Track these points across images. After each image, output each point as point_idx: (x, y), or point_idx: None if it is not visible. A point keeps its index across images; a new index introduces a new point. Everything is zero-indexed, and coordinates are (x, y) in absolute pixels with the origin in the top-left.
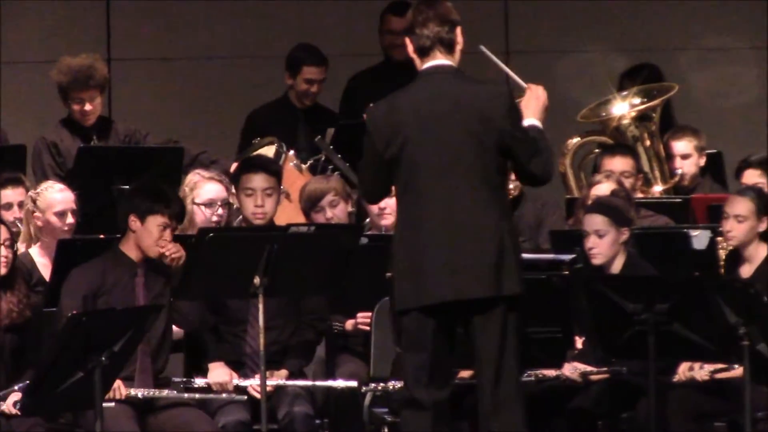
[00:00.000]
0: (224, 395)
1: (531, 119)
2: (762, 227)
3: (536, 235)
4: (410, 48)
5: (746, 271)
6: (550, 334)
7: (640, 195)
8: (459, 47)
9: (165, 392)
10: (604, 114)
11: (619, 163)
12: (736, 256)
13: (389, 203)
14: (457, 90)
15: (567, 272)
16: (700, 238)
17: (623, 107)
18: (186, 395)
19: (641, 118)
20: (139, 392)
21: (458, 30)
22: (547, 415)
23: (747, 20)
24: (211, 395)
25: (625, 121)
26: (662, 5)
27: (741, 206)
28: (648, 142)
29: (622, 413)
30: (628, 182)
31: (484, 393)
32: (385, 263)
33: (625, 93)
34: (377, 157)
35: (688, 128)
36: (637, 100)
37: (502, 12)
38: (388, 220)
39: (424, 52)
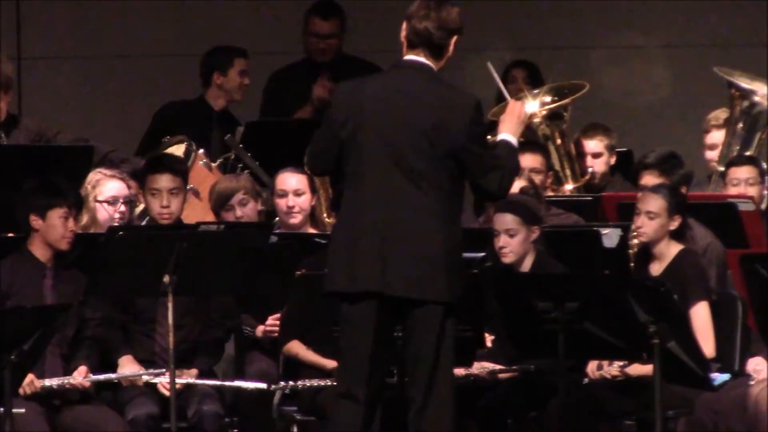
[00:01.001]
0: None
1: (505, 134)
2: (673, 225)
3: None
4: (402, 33)
5: (656, 269)
6: (460, 333)
7: (550, 193)
8: (447, 55)
9: (79, 379)
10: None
11: (528, 160)
12: (647, 254)
13: (297, 202)
14: (423, 90)
15: (477, 271)
16: (610, 237)
17: (534, 105)
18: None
19: (552, 117)
20: (53, 382)
21: (453, 39)
22: (457, 414)
23: (658, 18)
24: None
25: (536, 120)
26: (573, 3)
27: (653, 203)
28: (559, 141)
29: (532, 412)
30: (538, 179)
31: (416, 393)
32: (295, 262)
33: (536, 91)
34: (332, 131)
35: (599, 127)
36: (548, 99)
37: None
38: (297, 219)
39: (410, 44)
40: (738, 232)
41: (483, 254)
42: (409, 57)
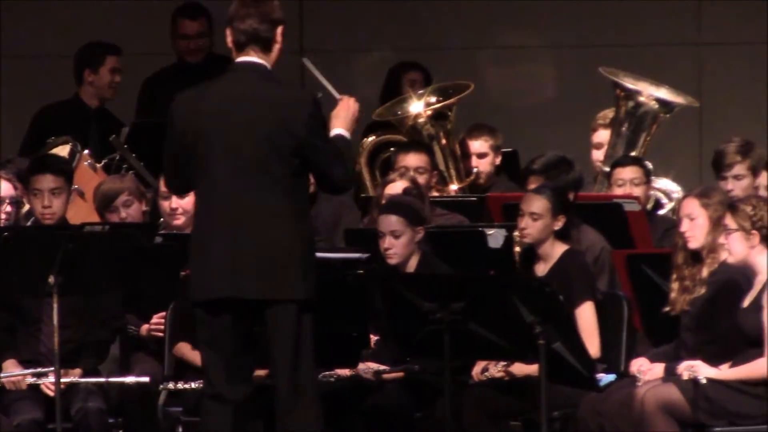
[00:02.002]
0: None
1: (339, 129)
2: (557, 225)
3: (332, 233)
4: (228, 39)
5: (541, 269)
6: (345, 334)
7: (435, 193)
8: (278, 46)
9: None
10: (400, 112)
11: (413, 159)
12: (531, 255)
13: (181, 203)
14: (260, 91)
15: (362, 271)
16: (495, 237)
17: (419, 106)
18: None
19: (437, 117)
20: None
21: (279, 29)
22: (342, 415)
23: (543, 18)
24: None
25: (421, 120)
26: (458, 4)
27: (537, 204)
28: (444, 141)
29: (418, 412)
30: (422, 178)
31: (280, 392)
32: (179, 263)
33: (421, 91)
34: (175, 146)
35: (484, 127)
36: (433, 99)
37: (296, 11)
38: (180, 220)
39: (238, 47)
40: (624, 232)
41: (368, 255)
42: (242, 59)
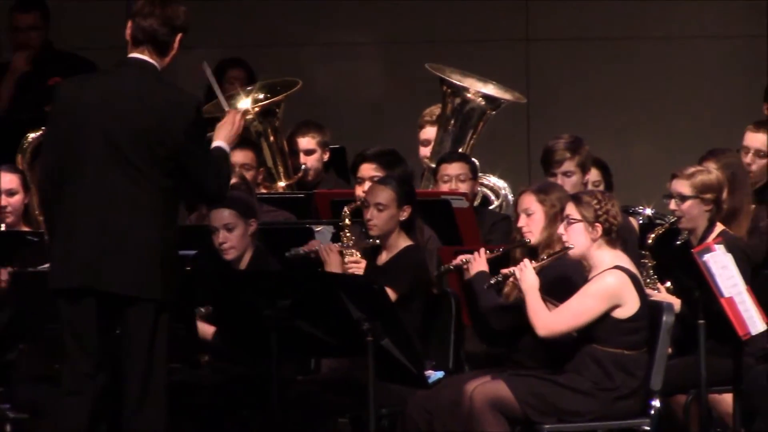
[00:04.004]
0: None
1: (219, 141)
2: (403, 216)
3: None
4: (127, 32)
5: (382, 259)
6: (176, 331)
7: (263, 190)
8: (173, 53)
9: None
10: (227, 109)
11: (240, 157)
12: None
13: (10, 201)
14: (145, 90)
15: (190, 268)
16: (323, 234)
17: (247, 102)
18: None
19: (265, 113)
20: None
21: (179, 36)
22: (173, 413)
23: (371, 15)
24: None
25: (249, 117)
26: (286, 1)
27: (382, 195)
28: (272, 138)
29: (248, 410)
30: (249, 175)
31: (129, 393)
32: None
33: (249, 88)
34: (53, 135)
35: (311, 124)
36: (260, 96)
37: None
38: (10, 218)
39: (135, 42)
40: (452, 228)
41: (196, 252)
42: (134, 55)
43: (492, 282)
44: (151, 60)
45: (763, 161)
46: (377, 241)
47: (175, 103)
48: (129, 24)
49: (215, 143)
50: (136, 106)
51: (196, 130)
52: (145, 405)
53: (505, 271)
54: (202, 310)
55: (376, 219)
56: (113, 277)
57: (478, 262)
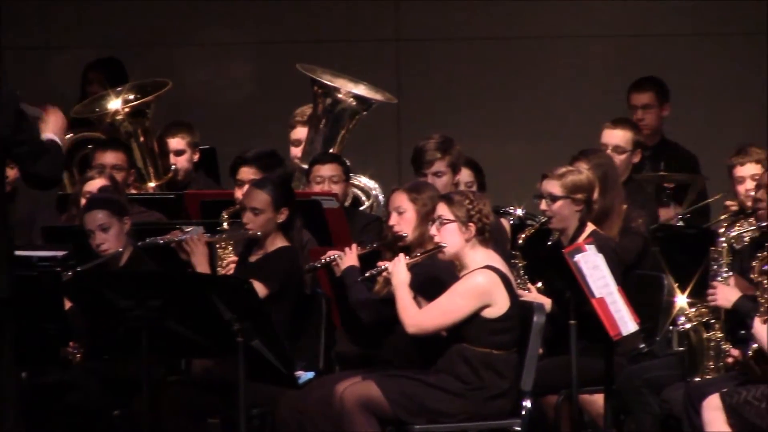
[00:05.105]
0: None
1: (48, 134)
2: (281, 218)
3: (29, 230)
4: None
5: (254, 258)
6: (44, 332)
7: (133, 191)
8: None
9: None
10: (98, 109)
11: (110, 157)
12: (252, 243)
13: None
14: None
15: (60, 269)
16: (193, 234)
17: (117, 103)
18: None
19: (135, 114)
20: None
21: None
22: (44, 413)
23: (242, 15)
24: None
25: (119, 117)
26: (157, 1)
27: (258, 199)
28: (142, 138)
29: (116, 410)
30: (119, 176)
31: None
32: None
33: (119, 89)
34: None
35: (181, 124)
36: (131, 96)
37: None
38: None
39: None
40: (323, 229)
41: (66, 252)
42: None
43: (366, 275)
44: None
45: (622, 157)
46: (250, 231)
47: None
48: None
49: (45, 135)
50: None
51: (21, 120)
52: None
53: (380, 263)
54: None
55: (253, 223)
56: None
57: (348, 257)
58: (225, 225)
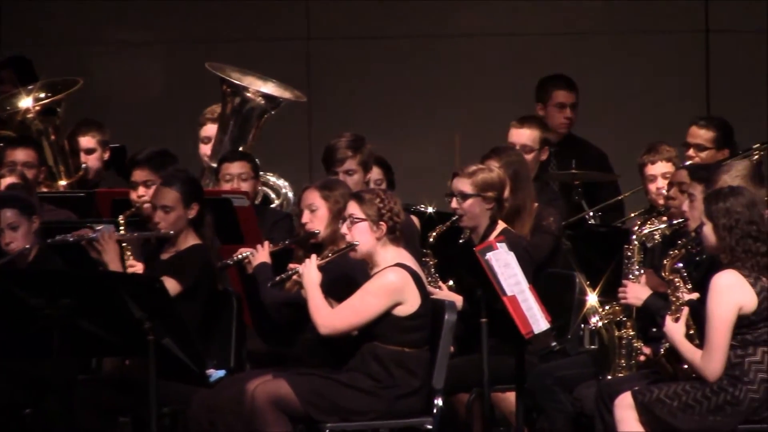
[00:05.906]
0: None
1: None
2: (191, 214)
3: None
4: None
5: (165, 255)
6: None
7: (44, 189)
8: None
9: None
10: (9, 108)
11: (20, 155)
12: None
13: None
14: None
15: None
16: (104, 232)
17: (28, 101)
18: None
19: (46, 112)
20: None
21: None
22: None
23: (152, 14)
24: None
25: (30, 115)
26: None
27: (167, 196)
28: (53, 136)
29: (27, 409)
30: (30, 174)
31: None
32: None
33: (30, 87)
34: None
35: (92, 123)
36: (42, 94)
37: None
38: None
39: None
40: (234, 228)
41: None
42: None
43: (276, 279)
44: None
45: (530, 156)
46: (162, 230)
47: None
48: None
49: None
50: None
51: None
52: None
53: (291, 266)
54: None
55: (164, 221)
56: None
57: (260, 254)
58: (122, 229)
